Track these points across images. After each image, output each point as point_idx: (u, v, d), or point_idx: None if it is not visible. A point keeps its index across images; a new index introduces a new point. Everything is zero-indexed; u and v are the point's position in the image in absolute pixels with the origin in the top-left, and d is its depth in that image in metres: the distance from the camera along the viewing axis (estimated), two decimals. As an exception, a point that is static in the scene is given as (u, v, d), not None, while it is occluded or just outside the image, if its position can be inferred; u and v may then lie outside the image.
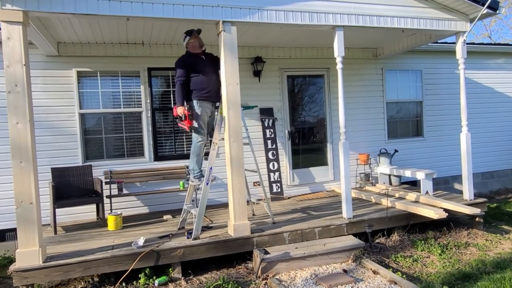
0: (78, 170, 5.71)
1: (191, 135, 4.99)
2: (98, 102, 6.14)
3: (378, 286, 3.83)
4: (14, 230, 5.24)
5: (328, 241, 4.76)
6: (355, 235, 4.99)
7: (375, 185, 7.37)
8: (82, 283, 4.29)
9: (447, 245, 4.98)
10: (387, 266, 4.38)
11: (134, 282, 4.21)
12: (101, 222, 5.50)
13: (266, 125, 6.93)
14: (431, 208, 5.27)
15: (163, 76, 6.50)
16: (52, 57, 5.85)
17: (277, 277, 4.18)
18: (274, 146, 6.91)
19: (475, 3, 5.43)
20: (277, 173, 6.87)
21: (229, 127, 4.56)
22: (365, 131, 7.63)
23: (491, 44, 10.51)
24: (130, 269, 4.12)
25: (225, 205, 5.86)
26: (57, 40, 5.70)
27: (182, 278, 4.29)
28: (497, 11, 5.60)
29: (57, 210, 5.20)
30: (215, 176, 5.95)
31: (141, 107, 6.33)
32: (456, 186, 8.30)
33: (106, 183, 5.87)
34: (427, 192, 6.37)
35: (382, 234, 5.31)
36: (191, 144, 4.99)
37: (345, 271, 4.21)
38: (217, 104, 4.88)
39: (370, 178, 7.39)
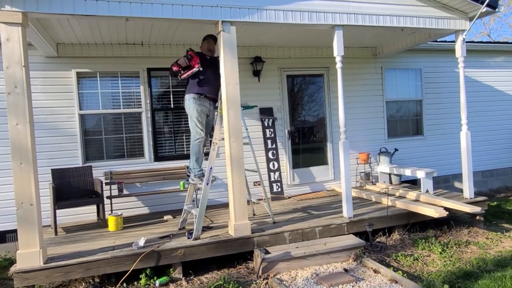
0: (78, 171, 5.71)
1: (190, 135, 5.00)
2: (97, 103, 6.14)
3: (379, 285, 3.83)
4: (15, 231, 5.21)
5: (328, 240, 4.76)
6: (355, 234, 4.99)
7: (375, 184, 7.37)
8: (83, 284, 4.29)
9: (447, 244, 4.98)
10: (388, 265, 4.38)
11: (135, 283, 4.21)
12: (102, 223, 5.51)
13: (266, 124, 6.92)
14: (432, 206, 5.27)
15: (163, 77, 6.50)
16: (51, 58, 5.85)
17: (278, 276, 4.18)
18: (274, 146, 6.91)
19: (474, 2, 5.43)
20: (277, 173, 6.87)
21: (229, 127, 4.56)
22: (365, 130, 7.62)
23: (490, 42, 10.53)
24: (131, 269, 4.12)
25: (225, 205, 5.86)
26: (57, 41, 5.70)
27: (183, 278, 4.29)
28: (496, 10, 5.60)
29: (57, 211, 5.20)
30: (215, 176, 5.95)
31: (141, 107, 6.33)
32: (457, 184, 8.29)
33: (107, 183, 5.87)
34: (427, 191, 6.37)
35: (383, 233, 5.31)
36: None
37: (346, 270, 4.21)
38: (217, 104, 4.89)
39: (370, 177, 7.39)
